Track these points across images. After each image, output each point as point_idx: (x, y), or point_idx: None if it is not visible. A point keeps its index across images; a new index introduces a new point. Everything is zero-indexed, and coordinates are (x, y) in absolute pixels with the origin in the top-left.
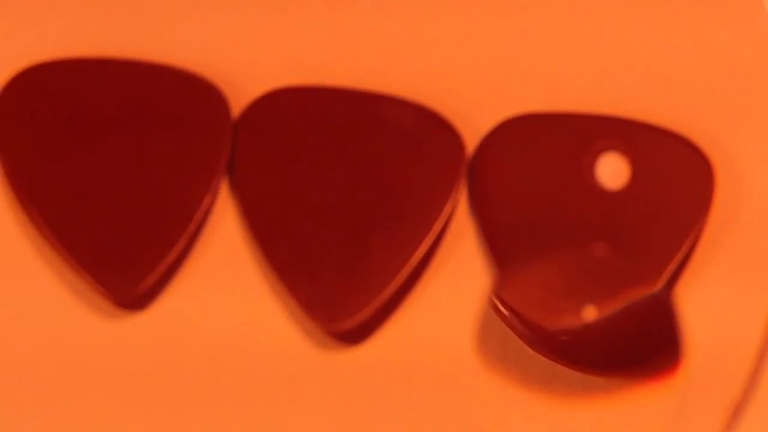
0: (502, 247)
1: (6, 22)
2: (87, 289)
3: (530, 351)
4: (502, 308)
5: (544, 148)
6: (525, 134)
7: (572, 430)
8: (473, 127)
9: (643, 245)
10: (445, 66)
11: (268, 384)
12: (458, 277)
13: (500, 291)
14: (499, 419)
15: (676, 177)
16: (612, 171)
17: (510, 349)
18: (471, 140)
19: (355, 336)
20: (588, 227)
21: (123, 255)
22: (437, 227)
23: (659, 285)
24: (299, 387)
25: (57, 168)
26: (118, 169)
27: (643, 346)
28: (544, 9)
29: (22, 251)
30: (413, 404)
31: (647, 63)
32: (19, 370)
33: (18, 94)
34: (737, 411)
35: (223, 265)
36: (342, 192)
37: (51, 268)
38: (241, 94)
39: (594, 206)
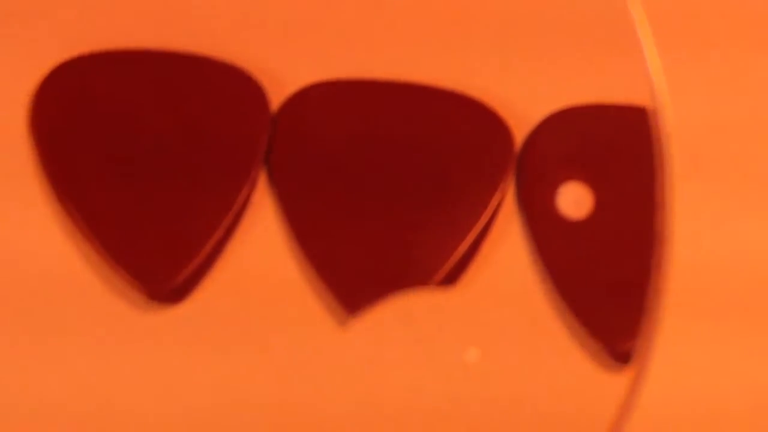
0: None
1: (44, 14)
2: (121, 282)
3: None
4: None
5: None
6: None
7: None
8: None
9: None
10: (490, 58)
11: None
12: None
13: None
14: None
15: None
16: None
17: None
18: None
19: None
20: None
21: (159, 248)
22: (484, 218)
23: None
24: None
25: (94, 161)
26: (155, 160)
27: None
28: None
29: (59, 245)
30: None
31: None
32: (53, 362)
33: (56, 87)
34: None
35: (260, 257)
36: (383, 185)
37: (86, 262)
38: (280, 87)
39: None
